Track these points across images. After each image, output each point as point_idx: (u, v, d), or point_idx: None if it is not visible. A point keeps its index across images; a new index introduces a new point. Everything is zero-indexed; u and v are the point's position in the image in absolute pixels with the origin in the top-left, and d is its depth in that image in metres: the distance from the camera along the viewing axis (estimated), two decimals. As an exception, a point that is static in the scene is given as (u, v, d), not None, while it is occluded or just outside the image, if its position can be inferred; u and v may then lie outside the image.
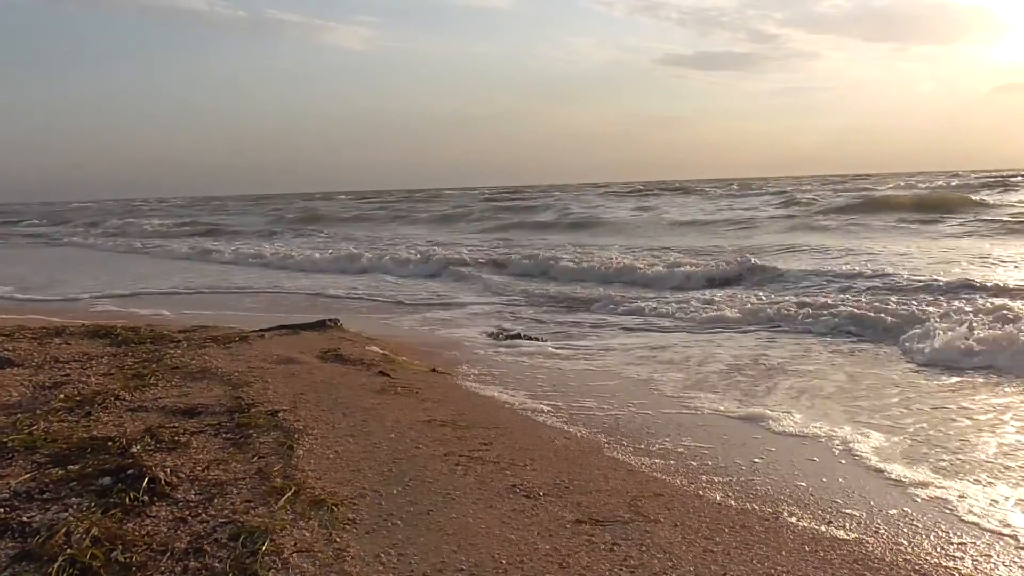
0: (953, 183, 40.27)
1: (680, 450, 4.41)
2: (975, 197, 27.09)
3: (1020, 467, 4.09)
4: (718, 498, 3.63)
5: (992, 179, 43.50)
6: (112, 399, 4.40)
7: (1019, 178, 43.86)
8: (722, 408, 5.32)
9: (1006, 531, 3.33)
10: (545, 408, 5.30)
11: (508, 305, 10.86)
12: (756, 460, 4.24)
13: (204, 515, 2.90)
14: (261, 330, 7.29)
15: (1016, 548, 3.17)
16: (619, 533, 3.05)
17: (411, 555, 2.74)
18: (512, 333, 8.22)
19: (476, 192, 73.93)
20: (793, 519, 3.40)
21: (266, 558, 2.59)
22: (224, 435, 3.85)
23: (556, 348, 7.58)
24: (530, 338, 7.95)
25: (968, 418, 4.97)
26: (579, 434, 4.68)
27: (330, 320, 7.95)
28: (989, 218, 20.79)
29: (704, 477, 3.95)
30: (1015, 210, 22.31)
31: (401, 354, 6.90)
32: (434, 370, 6.38)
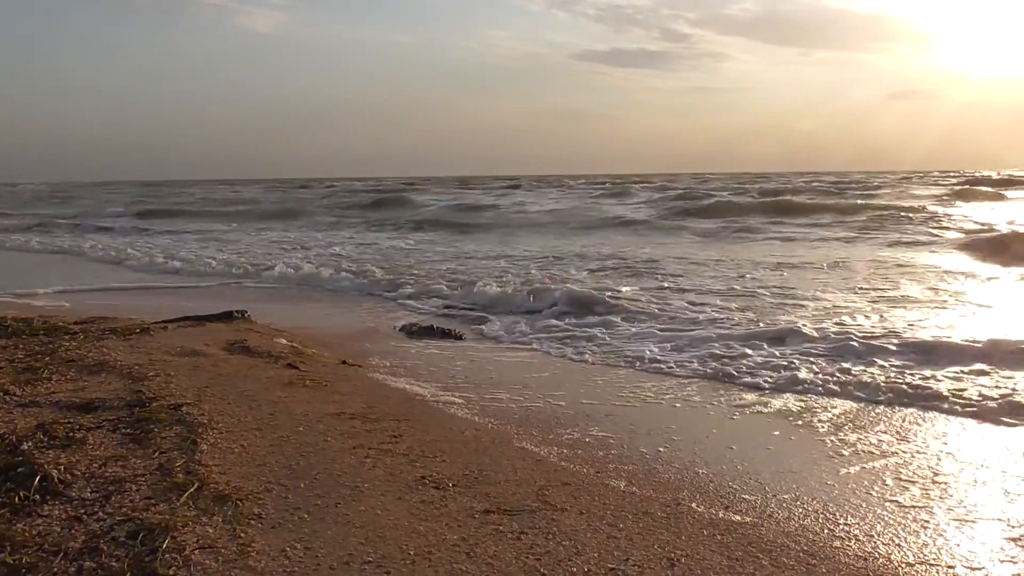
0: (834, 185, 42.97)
1: (588, 440, 4.51)
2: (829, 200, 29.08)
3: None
4: (622, 486, 3.74)
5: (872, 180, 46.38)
6: (0, 394, 4.20)
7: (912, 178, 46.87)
8: (631, 399, 5.47)
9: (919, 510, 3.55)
10: (457, 400, 5.33)
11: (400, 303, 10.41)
12: (661, 449, 4.38)
13: (101, 513, 2.81)
14: (164, 321, 7.05)
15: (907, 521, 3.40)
16: (526, 522, 3.11)
17: (318, 548, 2.72)
18: (425, 326, 8.19)
19: (360, 182, 70.87)
20: (693, 504, 3.54)
21: (167, 556, 2.53)
22: (123, 430, 3.72)
23: (470, 342, 7.61)
24: (444, 332, 7.94)
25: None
26: (490, 425, 4.73)
27: (237, 311, 7.74)
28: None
29: (611, 466, 4.06)
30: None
31: (311, 346, 6.80)
32: (344, 362, 6.32)
